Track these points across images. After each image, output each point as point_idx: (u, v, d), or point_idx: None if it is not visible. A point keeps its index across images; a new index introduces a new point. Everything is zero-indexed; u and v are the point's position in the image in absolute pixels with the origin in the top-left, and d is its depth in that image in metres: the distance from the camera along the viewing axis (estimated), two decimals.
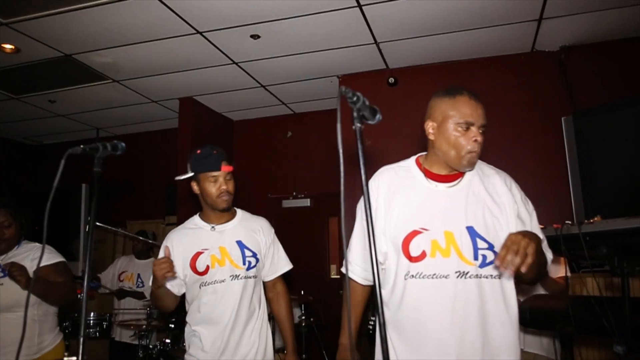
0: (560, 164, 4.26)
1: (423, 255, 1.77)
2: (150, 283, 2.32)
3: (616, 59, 4.64)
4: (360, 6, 3.97)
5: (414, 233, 1.79)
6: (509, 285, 1.78)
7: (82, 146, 1.65)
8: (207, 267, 2.39)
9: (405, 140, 4.99)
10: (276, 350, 3.85)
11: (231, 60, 4.91)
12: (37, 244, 2.79)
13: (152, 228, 6.37)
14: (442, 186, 1.86)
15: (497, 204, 1.81)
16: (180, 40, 4.46)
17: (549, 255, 1.80)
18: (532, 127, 4.81)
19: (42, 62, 4.85)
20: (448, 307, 1.71)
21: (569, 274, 3.08)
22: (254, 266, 2.43)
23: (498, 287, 1.75)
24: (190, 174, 2.42)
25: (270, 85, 5.64)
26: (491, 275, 1.75)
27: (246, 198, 6.56)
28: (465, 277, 1.73)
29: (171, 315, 4.10)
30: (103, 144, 1.68)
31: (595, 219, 1.85)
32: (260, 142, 6.66)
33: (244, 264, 2.40)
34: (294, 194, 6.32)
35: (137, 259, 5.21)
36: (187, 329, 2.51)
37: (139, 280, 5.00)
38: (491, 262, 1.74)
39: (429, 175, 1.90)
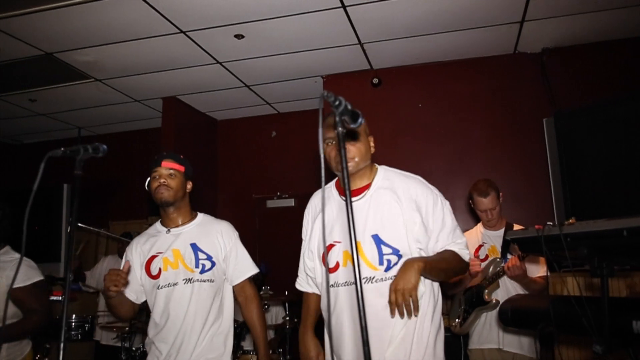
0: (541, 164, 4.32)
1: (337, 266, 2.01)
2: None
3: (597, 61, 4.71)
4: (344, 7, 3.98)
5: (330, 246, 2.03)
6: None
7: (62, 149, 1.62)
8: (160, 270, 2.38)
9: (389, 140, 5.02)
10: (244, 352, 3.84)
11: (215, 60, 4.89)
12: (17, 255, 2.62)
13: (135, 228, 6.31)
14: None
15: (400, 211, 1.98)
16: (163, 39, 4.43)
17: (455, 247, 2.03)
18: (513, 128, 4.87)
19: (22, 61, 4.78)
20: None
21: (548, 273, 3.12)
22: (209, 269, 2.38)
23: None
24: (148, 179, 2.46)
25: (255, 85, 5.62)
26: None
27: (230, 198, 6.55)
28: (371, 282, 1.93)
29: None
30: (84, 146, 1.65)
31: (570, 220, 1.87)
32: (244, 142, 6.64)
33: (197, 266, 2.37)
34: (278, 194, 6.31)
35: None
36: (147, 339, 2.47)
37: None
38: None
39: (340, 191, 2.11)
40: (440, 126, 5.07)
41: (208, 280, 2.37)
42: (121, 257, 5.06)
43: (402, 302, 1.75)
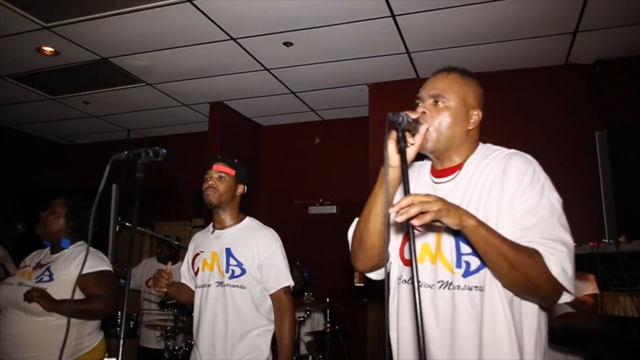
0: (592, 179, 4.20)
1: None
2: None
3: None
4: (393, 16, 3.99)
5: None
6: (498, 300, 1.46)
7: (126, 152, 1.69)
8: (198, 269, 2.49)
9: None
10: None
11: (263, 66, 4.97)
12: (91, 248, 2.68)
13: (179, 230, 6.45)
14: (440, 181, 1.66)
15: (488, 197, 1.52)
16: (214, 46, 4.53)
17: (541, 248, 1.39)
18: (563, 141, 4.75)
19: (79, 65, 4.97)
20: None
21: (598, 291, 3.03)
22: (238, 276, 2.40)
23: (478, 301, 1.47)
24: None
25: (300, 92, 5.68)
26: (475, 287, 1.48)
27: (272, 203, 6.62)
28: (447, 288, 1.51)
29: None
30: (146, 151, 1.72)
31: (620, 239, 1.80)
32: (288, 148, 6.71)
33: (227, 271, 2.41)
34: (320, 200, 6.34)
35: (164, 264, 5.24)
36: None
37: None
38: (476, 271, 1.48)
39: (434, 172, 1.70)
40: (486, 138, 4.99)
41: (238, 286, 2.39)
42: (160, 261, 5.19)
43: (406, 204, 1.25)
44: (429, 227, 1.49)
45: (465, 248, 1.49)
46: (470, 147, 1.66)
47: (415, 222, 1.26)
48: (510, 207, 1.46)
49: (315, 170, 6.50)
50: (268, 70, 5.05)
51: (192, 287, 2.56)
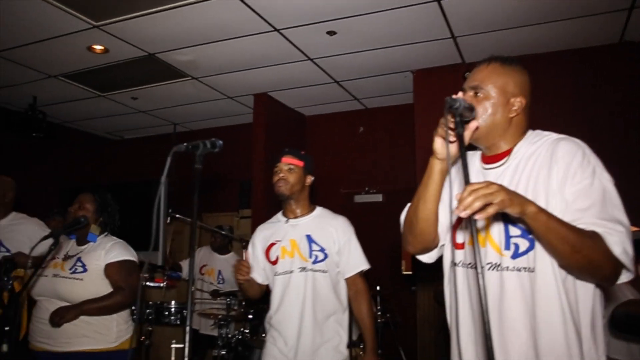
0: None
1: (463, 244, 1.68)
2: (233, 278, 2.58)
3: None
4: (438, 0, 3.92)
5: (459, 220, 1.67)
6: (552, 281, 1.48)
7: (185, 144, 1.75)
8: (277, 258, 2.58)
9: None
10: (352, 344, 3.88)
11: (306, 56, 4.97)
12: (115, 239, 2.85)
13: (226, 221, 6.55)
14: (489, 167, 1.70)
15: (537, 181, 1.55)
16: (258, 37, 4.56)
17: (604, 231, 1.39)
18: (617, 122, 4.59)
19: (127, 62, 5.09)
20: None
21: None
22: (321, 261, 2.52)
23: (527, 282, 1.50)
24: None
25: (344, 81, 5.66)
26: (524, 268, 1.51)
27: (317, 193, 6.62)
28: (496, 270, 1.55)
29: (250, 306, 4.22)
30: (203, 142, 1.77)
31: None
32: (332, 137, 6.71)
33: (310, 257, 2.52)
34: (366, 189, 6.32)
35: (217, 254, 5.34)
36: (265, 322, 2.68)
37: (220, 277, 5.14)
38: (524, 253, 1.51)
39: (484, 159, 1.74)
40: (535, 122, 4.86)
41: (321, 270, 2.50)
42: (214, 251, 5.29)
43: (470, 201, 1.24)
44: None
45: (514, 230, 1.53)
46: (516, 133, 1.68)
47: (478, 216, 1.26)
48: (561, 190, 1.47)
49: (361, 159, 6.48)
50: (311, 60, 5.05)
51: (260, 281, 2.67)
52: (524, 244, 1.52)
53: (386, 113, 6.41)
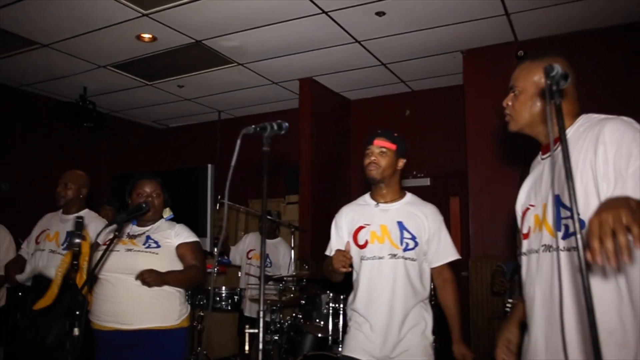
0: None
1: (529, 232, 1.77)
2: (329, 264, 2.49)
3: None
4: None
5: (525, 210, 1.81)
6: None
7: (253, 126, 1.73)
8: (366, 242, 2.50)
9: None
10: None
11: (354, 39, 4.89)
12: (176, 223, 2.92)
13: (273, 207, 6.57)
14: (545, 157, 1.81)
15: (585, 164, 1.56)
16: (305, 21, 4.50)
17: None
18: None
19: (175, 49, 5.11)
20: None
21: None
22: (412, 249, 2.44)
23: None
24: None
25: (391, 63, 5.56)
26: (574, 248, 1.53)
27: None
28: (549, 251, 1.63)
29: (302, 292, 4.21)
30: (270, 124, 1.76)
31: None
32: (377, 121, 6.59)
33: (401, 244, 2.44)
34: (414, 173, 6.22)
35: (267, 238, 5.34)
36: (348, 308, 2.62)
37: (268, 260, 5.15)
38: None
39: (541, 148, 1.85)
40: (594, 101, 4.65)
41: (411, 259, 2.43)
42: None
43: (606, 238, 1.12)
44: (540, 199, 1.71)
45: (564, 212, 1.58)
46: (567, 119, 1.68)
47: (627, 259, 1.10)
48: (616, 169, 1.46)
49: (407, 143, 6.37)
50: (358, 42, 4.96)
51: None
52: (572, 225, 1.51)
53: (433, 95, 6.28)
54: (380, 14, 4.35)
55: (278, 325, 4.34)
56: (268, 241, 5.29)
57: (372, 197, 2.60)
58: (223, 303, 4.90)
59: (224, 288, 4.94)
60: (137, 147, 8.01)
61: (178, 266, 2.77)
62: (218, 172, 6.03)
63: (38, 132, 6.52)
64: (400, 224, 2.47)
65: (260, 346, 1.57)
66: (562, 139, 1.17)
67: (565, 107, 1.52)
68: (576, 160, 1.55)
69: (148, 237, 2.76)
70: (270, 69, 5.74)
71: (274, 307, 4.39)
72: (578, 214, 1.16)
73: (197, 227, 6.07)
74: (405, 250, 2.43)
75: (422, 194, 6.27)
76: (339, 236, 2.62)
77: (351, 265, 2.43)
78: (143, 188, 2.85)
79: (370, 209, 2.56)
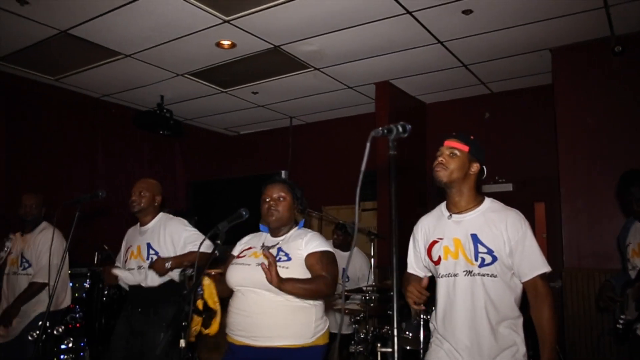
0: None
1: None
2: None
3: None
4: None
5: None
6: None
7: (381, 129, 1.64)
8: (440, 258, 2.29)
9: (635, 115, 4.43)
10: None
11: (436, 39, 4.71)
12: (309, 231, 2.69)
13: (347, 214, 6.45)
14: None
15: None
16: (387, 22, 4.37)
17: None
18: None
19: (253, 55, 5.10)
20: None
21: None
22: (489, 264, 2.19)
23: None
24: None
25: (472, 64, 5.34)
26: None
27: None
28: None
29: (389, 301, 4.06)
30: (396, 126, 1.68)
31: None
32: (454, 125, 6.37)
33: (476, 260, 2.21)
34: (495, 178, 5.96)
35: (340, 251, 5.13)
36: (431, 320, 2.42)
37: (345, 275, 4.97)
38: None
39: None
40: None
41: (489, 275, 2.19)
42: (337, 247, 5.05)
43: None
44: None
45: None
46: None
47: None
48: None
49: (487, 147, 6.03)
50: (441, 43, 4.78)
51: (423, 275, 2.42)
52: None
53: (515, 96, 6.01)
54: (467, 12, 4.17)
55: (362, 336, 4.22)
56: (343, 254, 4.99)
57: (447, 206, 2.37)
58: None
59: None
60: (210, 154, 8.11)
61: None
62: (292, 178, 5.99)
63: (118, 140, 6.69)
64: (474, 236, 2.23)
65: None
66: None
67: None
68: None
69: (279, 250, 2.60)
70: (346, 73, 5.64)
71: (357, 318, 4.27)
72: None
73: None
74: (481, 265, 2.19)
75: (504, 200, 6.00)
76: (417, 250, 2.45)
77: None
78: (267, 192, 2.69)
79: (444, 220, 2.35)
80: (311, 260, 2.54)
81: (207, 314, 2.50)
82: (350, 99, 6.47)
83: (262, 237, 2.75)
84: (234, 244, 2.83)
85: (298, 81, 5.86)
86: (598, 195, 4.51)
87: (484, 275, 2.19)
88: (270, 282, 2.33)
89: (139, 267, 3.30)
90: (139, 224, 3.53)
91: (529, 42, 4.81)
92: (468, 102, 6.34)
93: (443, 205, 2.42)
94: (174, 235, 3.36)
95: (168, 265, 3.17)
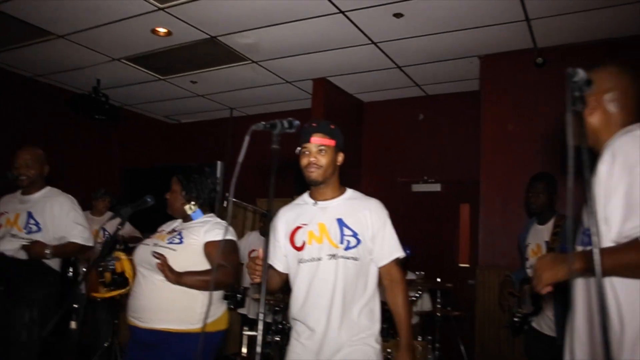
0: None
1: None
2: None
3: None
4: None
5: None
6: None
7: (263, 123, 1.69)
8: (304, 243, 2.29)
9: (551, 124, 4.67)
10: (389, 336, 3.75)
11: (370, 40, 4.84)
12: (217, 219, 2.74)
13: (280, 206, 6.50)
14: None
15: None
16: (322, 20, 4.46)
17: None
18: None
19: (189, 45, 5.09)
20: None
21: None
22: (354, 247, 2.25)
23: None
24: (298, 149, 2.34)
25: (406, 66, 5.50)
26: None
27: (374, 181, 6.52)
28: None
29: None
30: (281, 122, 1.72)
31: None
32: (390, 125, 6.56)
33: (342, 242, 2.25)
34: (425, 178, 6.16)
35: (265, 238, 5.24)
36: (289, 313, 2.39)
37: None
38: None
39: None
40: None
41: (352, 257, 2.25)
42: (263, 235, 5.24)
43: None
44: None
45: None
46: (610, 131, 1.78)
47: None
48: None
49: (419, 148, 6.31)
50: (375, 43, 4.91)
51: (280, 269, 2.40)
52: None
53: (448, 100, 6.22)
54: (398, 15, 4.30)
55: (280, 327, 4.29)
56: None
57: (311, 195, 2.39)
58: (227, 302, 4.84)
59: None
60: (149, 142, 8.01)
61: (202, 266, 2.59)
62: (229, 169, 6.01)
63: (51, 122, 6.52)
64: (340, 221, 2.27)
65: (259, 349, 1.52)
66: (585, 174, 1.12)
67: (605, 119, 1.77)
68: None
69: (178, 233, 2.65)
70: (284, 68, 5.70)
71: (277, 308, 4.35)
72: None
73: None
74: (346, 249, 2.24)
75: (433, 199, 6.24)
76: (276, 240, 2.39)
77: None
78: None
79: (308, 207, 2.36)
80: (209, 248, 2.58)
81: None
82: (290, 93, 6.53)
83: (176, 222, 2.83)
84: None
85: (237, 73, 5.88)
86: (513, 197, 4.74)
87: (347, 258, 2.23)
88: (169, 280, 2.42)
89: (12, 236, 3.19)
90: (19, 192, 3.39)
91: (459, 48, 5.00)
92: (404, 103, 6.51)
93: (306, 195, 2.44)
94: (62, 211, 3.29)
95: (48, 253, 3.12)
